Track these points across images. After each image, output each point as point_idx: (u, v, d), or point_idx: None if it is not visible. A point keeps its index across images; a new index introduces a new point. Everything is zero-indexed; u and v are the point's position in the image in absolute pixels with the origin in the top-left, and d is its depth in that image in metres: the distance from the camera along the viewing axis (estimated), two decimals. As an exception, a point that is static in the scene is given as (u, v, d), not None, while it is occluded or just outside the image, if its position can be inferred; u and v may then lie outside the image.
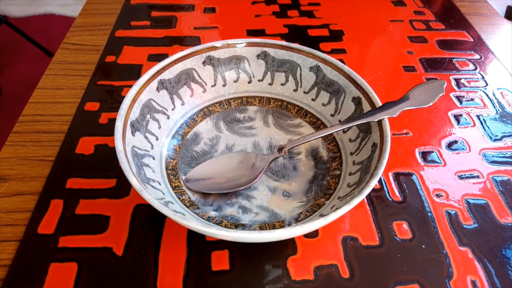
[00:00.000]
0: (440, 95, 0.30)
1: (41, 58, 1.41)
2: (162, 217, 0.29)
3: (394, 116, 0.28)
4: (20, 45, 1.44)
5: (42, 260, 0.27)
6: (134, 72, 0.42)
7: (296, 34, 0.48)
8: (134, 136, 0.29)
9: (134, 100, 0.30)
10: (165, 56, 0.44)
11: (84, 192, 0.30)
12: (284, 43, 0.35)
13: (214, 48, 0.35)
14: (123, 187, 0.31)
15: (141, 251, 0.27)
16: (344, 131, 0.32)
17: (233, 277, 0.26)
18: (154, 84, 0.32)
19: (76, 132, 0.35)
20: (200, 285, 0.26)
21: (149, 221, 0.29)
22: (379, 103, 0.30)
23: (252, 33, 0.48)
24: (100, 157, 0.33)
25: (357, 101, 0.32)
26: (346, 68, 0.33)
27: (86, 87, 0.40)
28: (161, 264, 0.27)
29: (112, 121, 0.36)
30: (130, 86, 0.40)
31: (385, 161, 0.25)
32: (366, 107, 0.31)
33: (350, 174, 0.29)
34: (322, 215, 0.23)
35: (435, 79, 0.32)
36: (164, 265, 0.27)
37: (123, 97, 0.39)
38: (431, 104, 0.29)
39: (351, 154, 0.31)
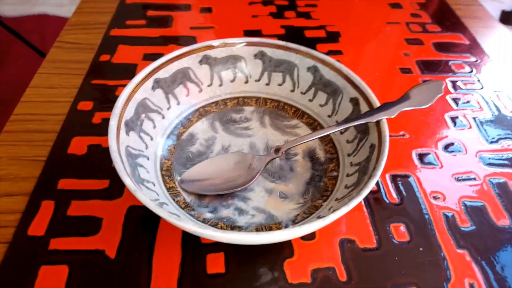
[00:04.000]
0: (439, 95, 0.30)
1: (34, 59, 1.39)
2: (156, 219, 0.28)
3: (393, 116, 0.28)
4: (12, 45, 1.42)
5: (32, 263, 0.26)
6: (129, 71, 0.41)
7: (293, 35, 0.48)
8: (128, 135, 0.28)
9: (128, 99, 0.29)
10: (160, 55, 0.43)
11: (76, 193, 0.30)
12: (282, 42, 0.35)
13: (211, 47, 0.34)
14: (116, 188, 0.30)
15: (135, 254, 0.26)
16: (341, 132, 0.32)
17: (229, 280, 0.26)
18: (149, 83, 0.31)
19: (68, 131, 0.35)
20: (195, 288, 0.25)
21: (142, 223, 0.28)
22: (377, 103, 0.29)
23: (249, 33, 0.48)
24: (93, 158, 0.32)
25: (354, 102, 0.31)
26: (344, 68, 0.32)
27: (80, 86, 0.39)
28: (154, 267, 0.26)
29: (106, 121, 0.36)
30: (125, 86, 0.39)
31: (383, 162, 0.25)
32: (364, 108, 0.30)
33: (347, 175, 0.29)
34: (320, 217, 0.23)
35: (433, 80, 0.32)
36: (158, 268, 0.26)
37: (117, 97, 0.38)
38: (429, 104, 0.29)
39: (349, 155, 0.31)
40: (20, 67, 1.37)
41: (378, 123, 0.28)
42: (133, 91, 0.30)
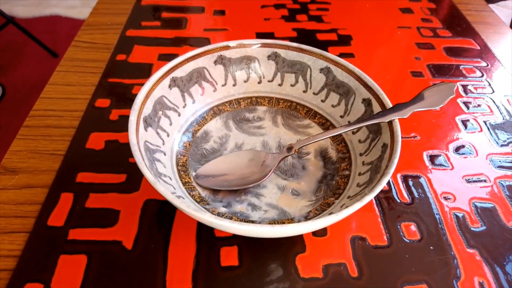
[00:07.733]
0: (451, 97, 0.30)
1: (46, 59, 1.42)
2: (172, 213, 0.29)
3: (405, 117, 0.29)
4: (25, 45, 1.45)
5: (51, 252, 0.27)
6: (145, 70, 0.42)
7: (305, 38, 0.49)
8: (146, 131, 0.29)
9: (147, 96, 0.30)
10: (175, 56, 0.45)
11: (94, 186, 0.31)
12: (295, 44, 0.36)
13: (228, 47, 0.35)
14: (133, 182, 0.31)
15: (151, 245, 0.27)
16: (353, 132, 0.33)
17: (242, 273, 0.26)
18: (166, 81, 0.32)
19: (86, 127, 0.36)
20: (209, 280, 0.26)
21: (158, 216, 0.29)
22: (389, 104, 0.30)
23: (261, 36, 0.49)
24: (111, 153, 0.33)
25: (367, 102, 0.32)
26: (356, 70, 0.33)
27: (97, 84, 0.40)
28: (170, 258, 0.27)
29: (123, 118, 0.37)
30: (141, 84, 0.40)
31: (396, 161, 0.26)
32: (376, 108, 0.31)
33: (359, 174, 0.30)
34: (332, 213, 0.23)
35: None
36: (173, 259, 0.27)
37: (133, 95, 0.39)
38: (441, 105, 0.30)
39: (361, 155, 0.31)
40: (33, 67, 1.40)
41: (390, 123, 0.29)
42: (151, 89, 0.31)
